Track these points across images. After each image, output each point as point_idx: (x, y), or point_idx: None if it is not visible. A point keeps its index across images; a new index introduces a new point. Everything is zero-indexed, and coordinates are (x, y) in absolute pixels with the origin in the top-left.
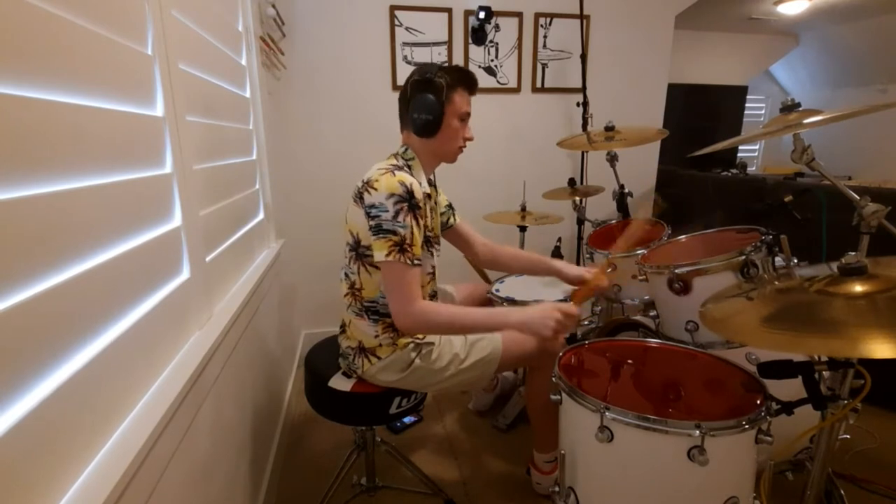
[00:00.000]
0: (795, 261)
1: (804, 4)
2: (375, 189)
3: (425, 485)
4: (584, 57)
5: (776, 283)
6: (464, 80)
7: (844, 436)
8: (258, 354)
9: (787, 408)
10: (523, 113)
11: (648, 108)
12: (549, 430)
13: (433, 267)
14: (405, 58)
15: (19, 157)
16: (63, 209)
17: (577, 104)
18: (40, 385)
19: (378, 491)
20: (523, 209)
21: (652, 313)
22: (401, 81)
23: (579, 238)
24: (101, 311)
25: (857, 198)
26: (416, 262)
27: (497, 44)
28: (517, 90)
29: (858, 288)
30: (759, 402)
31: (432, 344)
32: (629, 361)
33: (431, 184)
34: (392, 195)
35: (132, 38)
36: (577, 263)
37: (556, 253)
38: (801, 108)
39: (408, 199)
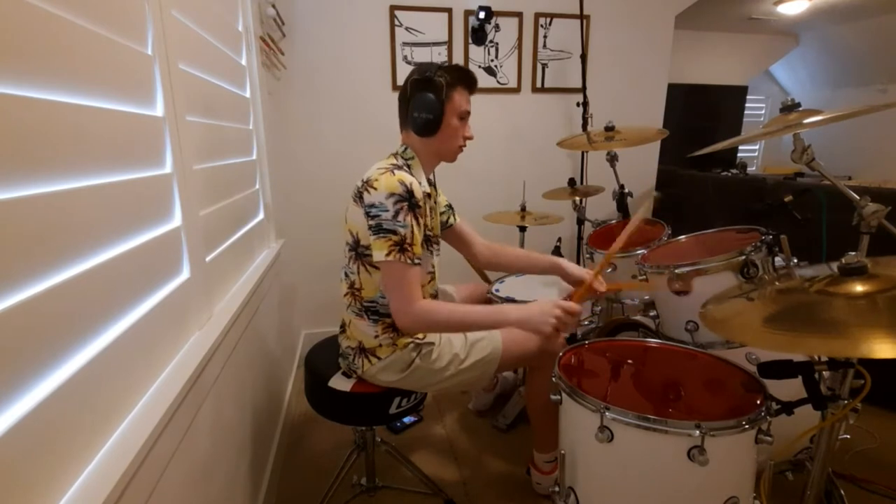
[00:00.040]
0: (795, 261)
1: (804, 4)
2: (375, 188)
3: (425, 485)
4: (584, 57)
5: (776, 283)
6: (464, 78)
7: (844, 436)
8: (258, 354)
9: (787, 408)
10: (523, 113)
11: (648, 108)
12: (549, 430)
13: (433, 266)
14: (405, 58)
15: (20, 157)
16: (63, 209)
17: (577, 104)
18: (40, 385)
19: (378, 491)
20: (523, 209)
21: (652, 313)
22: (401, 81)
23: (579, 238)
24: (100, 311)
25: (857, 198)
26: (416, 261)
27: (497, 44)
28: (517, 90)
29: (859, 288)
30: (759, 402)
31: (432, 344)
32: (629, 361)
33: (431, 183)
34: (392, 194)
35: (132, 38)
36: (577, 263)
37: (556, 253)
38: (801, 108)
39: (407, 199)
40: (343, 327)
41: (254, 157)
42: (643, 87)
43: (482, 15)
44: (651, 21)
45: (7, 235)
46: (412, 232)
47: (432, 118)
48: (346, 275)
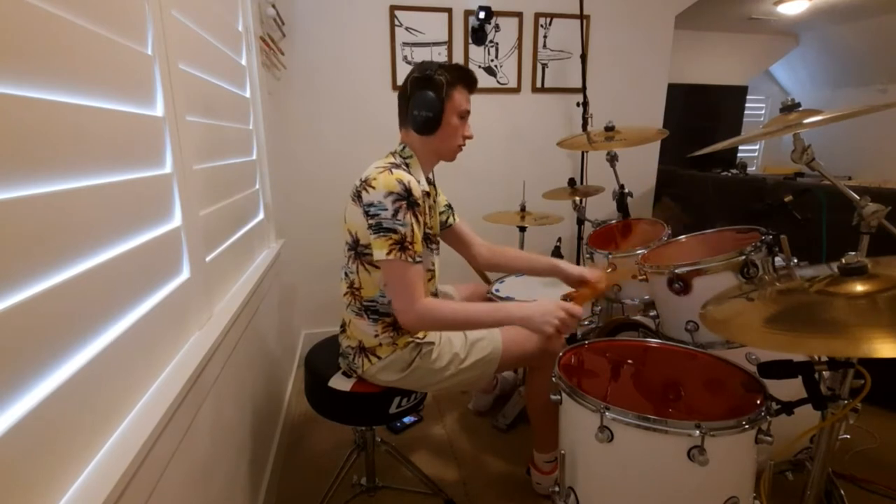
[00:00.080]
0: (795, 261)
1: (804, 4)
2: (373, 187)
3: (425, 485)
4: (584, 57)
5: (776, 283)
6: (464, 77)
7: (844, 436)
8: (258, 354)
9: (787, 408)
10: (523, 113)
11: (648, 108)
12: (549, 430)
13: (433, 265)
14: (405, 58)
15: (20, 157)
16: (63, 209)
17: (577, 104)
18: (40, 385)
19: (378, 491)
20: (523, 209)
21: (652, 313)
22: (401, 81)
23: (579, 238)
24: (100, 311)
25: (857, 198)
26: (417, 259)
27: (497, 44)
28: (517, 90)
29: (859, 288)
30: (759, 402)
31: (432, 344)
32: (629, 361)
33: (431, 182)
34: (390, 193)
35: (132, 38)
36: (577, 264)
37: (556, 253)
38: (801, 108)
39: (406, 197)
40: (343, 327)
41: (254, 157)
42: (643, 87)
43: (482, 15)
44: (651, 21)
45: (7, 235)
46: (412, 230)
47: (432, 116)
48: (346, 274)
